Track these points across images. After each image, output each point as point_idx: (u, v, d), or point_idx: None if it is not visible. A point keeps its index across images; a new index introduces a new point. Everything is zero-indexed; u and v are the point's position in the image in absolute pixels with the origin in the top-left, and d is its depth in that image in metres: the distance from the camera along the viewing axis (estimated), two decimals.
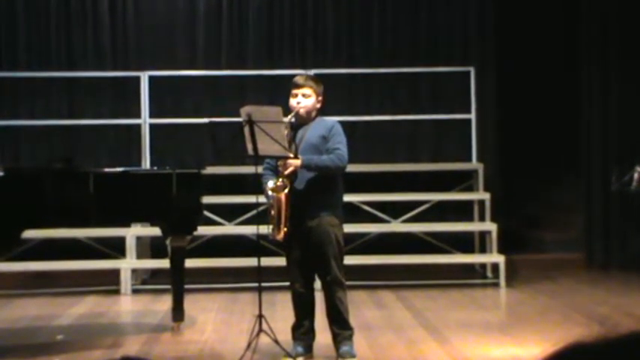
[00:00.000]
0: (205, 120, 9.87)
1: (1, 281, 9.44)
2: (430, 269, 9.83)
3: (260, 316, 6.01)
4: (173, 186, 6.95)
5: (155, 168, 9.34)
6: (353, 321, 6.30)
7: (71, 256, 9.65)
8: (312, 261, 6.13)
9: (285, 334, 6.21)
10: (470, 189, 10.51)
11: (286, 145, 5.90)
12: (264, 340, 6.00)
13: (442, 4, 10.70)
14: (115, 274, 9.35)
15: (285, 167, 5.99)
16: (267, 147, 5.88)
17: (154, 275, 10.03)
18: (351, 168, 7.58)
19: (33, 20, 10.49)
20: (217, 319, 7.90)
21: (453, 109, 10.50)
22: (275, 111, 5.94)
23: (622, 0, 10.36)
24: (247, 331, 6.21)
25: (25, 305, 8.68)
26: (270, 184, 6.03)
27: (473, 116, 10.43)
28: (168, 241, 7.21)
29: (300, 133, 6.15)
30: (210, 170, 8.45)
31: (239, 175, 9.93)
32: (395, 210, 10.24)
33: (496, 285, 9.49)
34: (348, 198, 7.04)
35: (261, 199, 6.16)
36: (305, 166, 5.98)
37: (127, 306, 8.93)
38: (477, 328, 7.28)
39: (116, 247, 9.78)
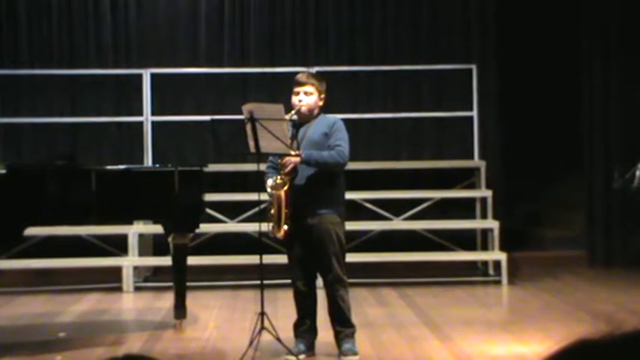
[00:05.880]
0: (207, 117, 9.86)
1: (3, 279, 9.44)
2: (432, 267, 9.83)
3: (262, 314, 6.01)
4: (175, 183, 6.95)
5: (157, 165, 9.34)
6: (355, 319, 6.30)
7: (73, 253, 9.66)
8: (313, 259, 6.13)
9: (287, 332, 6.21)
10: (472, 186, 10.49)
11: (288, 142, 5.90)
12: (266, 337, 6.00)
13: (444, 1, 10.68)
14: (117, 271, 9.35)
15: (285, 164, 5.99)
16: (269, 144, 5.88)
17: (156, 273, 10.03)
18: (353, 165, 7.59)
19: (35, 17, 10.48)
20: (219, 316, 7.90)
21: (455, 107, 10.48)
22: (277, 108, 5.94)
23: None
24: (249, 329, 6.21)
25: (27, 303, 8.68)
26: (270, 182, 6.03)
27: (475, 114, 10.41)
28: (170, 239, 7.21)
29: (302, 130, 6.15)
30: (212, 168, 8.45)
31: (241, 173, 9.94)
32: (397, 207, 10.22)
33: (498, 282, 9.48)
34: (350, 196, 7.04)
35: (263, 196, 6.16)
36: (304, 161, 5.98)
37: (129, 303, 8.93)
38: (479, 326, 7.28)
39: (118, 245, 9.78)
